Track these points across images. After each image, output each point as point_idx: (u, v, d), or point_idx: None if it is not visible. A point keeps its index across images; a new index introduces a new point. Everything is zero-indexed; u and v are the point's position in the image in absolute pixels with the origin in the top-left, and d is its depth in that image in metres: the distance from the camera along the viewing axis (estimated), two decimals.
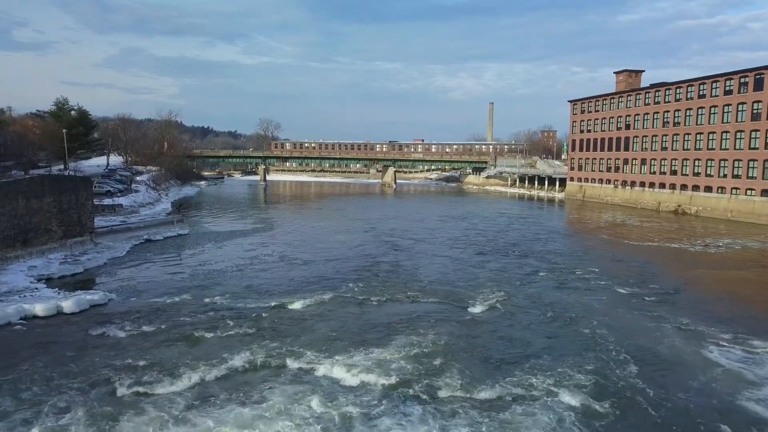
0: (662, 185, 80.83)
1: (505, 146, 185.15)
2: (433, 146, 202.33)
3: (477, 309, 26.37)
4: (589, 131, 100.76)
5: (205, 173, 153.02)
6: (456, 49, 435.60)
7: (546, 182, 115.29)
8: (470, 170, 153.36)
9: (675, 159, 78.83)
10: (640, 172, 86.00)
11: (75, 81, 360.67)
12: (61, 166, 79.07)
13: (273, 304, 26.60)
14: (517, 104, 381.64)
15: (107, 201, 61.16)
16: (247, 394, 16.94)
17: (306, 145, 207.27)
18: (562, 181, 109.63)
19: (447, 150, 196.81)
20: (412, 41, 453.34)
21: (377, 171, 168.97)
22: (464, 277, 33.92)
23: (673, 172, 78.99)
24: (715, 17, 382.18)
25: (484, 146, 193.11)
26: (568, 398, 16.90)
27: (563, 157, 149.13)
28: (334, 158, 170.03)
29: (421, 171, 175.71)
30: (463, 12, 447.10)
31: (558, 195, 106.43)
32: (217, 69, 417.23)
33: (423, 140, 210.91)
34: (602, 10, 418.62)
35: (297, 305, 26.41)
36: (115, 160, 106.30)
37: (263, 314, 24.91)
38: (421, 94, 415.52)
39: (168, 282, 31.20)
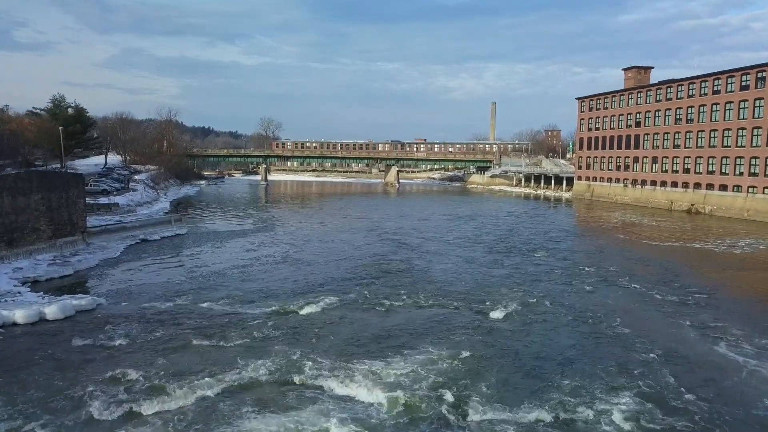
0: (674, 184, 78.61)
1: (509, 146, 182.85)
2: (436, 146, 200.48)
3: (498, 313, 24.21)
4: (597, 129, 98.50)
5: (206, 173, 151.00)
6: (456, 49, 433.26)
7: (552, 181, 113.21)
8: (474, 170, 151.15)
9: (688, 157, 76.61)
10: (651, 171, 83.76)
11: (75, 81, 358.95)
12: (58, 165, 76.96)
13: (278, 308, 24.45)
14: (518, 104, 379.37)
15: (103, 200, 59.28)
16: (252, 411, 14.81)
17: (307, 144, 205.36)
18: (569, 180, 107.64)
19: (450, 149, 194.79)
20: (413, 41, 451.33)
21: (379, 170, 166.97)
22: (479, 278, 31.81)
23: (686, 171, 76.69)
24: (717, 17, 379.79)
25: (487, 145, 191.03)
26: (617, 415, 14.81)
27: (568, 156, 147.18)
28: (336, 158, 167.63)
29: (424, 170, 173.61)
30: (464, 12, 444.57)
31: (565, 194, 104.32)
32: (218, 69, 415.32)
33: (425, 140, 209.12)
34: (603, 11, 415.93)
35: (304, 310, 24.24)
36: (114, 159, 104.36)
37: (268, 320, 22.74)
38: (421, 94, 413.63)
39: (164, 285, 29.05)
